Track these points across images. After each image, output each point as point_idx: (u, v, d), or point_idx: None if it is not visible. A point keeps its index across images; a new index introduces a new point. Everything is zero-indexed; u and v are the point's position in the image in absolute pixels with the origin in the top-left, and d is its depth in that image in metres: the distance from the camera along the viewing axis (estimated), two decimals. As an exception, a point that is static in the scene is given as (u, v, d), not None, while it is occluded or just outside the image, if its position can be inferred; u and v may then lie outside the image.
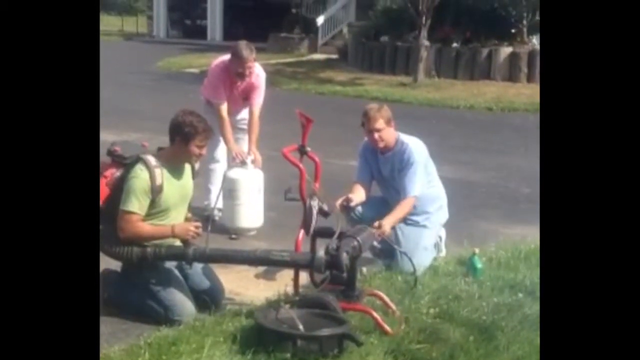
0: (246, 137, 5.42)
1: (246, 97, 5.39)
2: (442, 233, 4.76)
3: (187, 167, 3.91)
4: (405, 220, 4.45)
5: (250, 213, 5.17)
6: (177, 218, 3.84)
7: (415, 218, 4.50)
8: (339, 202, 4.27)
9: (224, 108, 5.28)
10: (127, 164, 3.73)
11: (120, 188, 3.69)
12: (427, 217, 4.55)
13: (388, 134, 4.43)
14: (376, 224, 4.10)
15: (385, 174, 4.56)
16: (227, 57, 5.31)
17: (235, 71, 5.19)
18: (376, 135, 4.39)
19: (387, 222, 4.18)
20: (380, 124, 4.37)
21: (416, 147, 4.47)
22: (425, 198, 4.50)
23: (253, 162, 5.17)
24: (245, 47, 5.12)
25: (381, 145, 4.45)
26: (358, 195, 4.46)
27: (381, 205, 4.51)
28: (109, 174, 3.75)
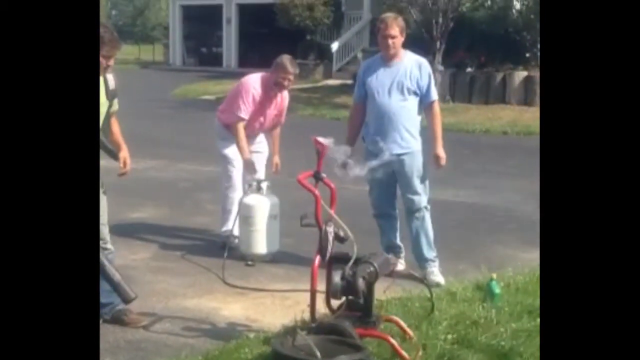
0: (260, 156, 5.55)
1: (277, 114, 5.56)
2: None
3: (101, 86, 3.90)
4: (403, 147, 4.78)
5: (266, 239, 5.17)
6: None
7: (410, 144, 4.81)
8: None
9: (243, 123, 5.34)
10: None
11: None
12: (417, 141, 4.87)
13: (400, 43, 4.73)
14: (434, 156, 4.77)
15: (386, 81, 4.78)
16: (260, 74, 5.44)
17: (275, 81, 5.30)
18: (390, 41, 4.67)
19: (439, 148, 4.81)
20: (395, 30, 4.67)
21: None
22: (416, 121, 4.86)
23: (268, 187, 5.20)
24: (289, 60, 5.32)
25: (392, 52, 4.72)
26: (358, 118, 5.06)
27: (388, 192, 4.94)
28: None
